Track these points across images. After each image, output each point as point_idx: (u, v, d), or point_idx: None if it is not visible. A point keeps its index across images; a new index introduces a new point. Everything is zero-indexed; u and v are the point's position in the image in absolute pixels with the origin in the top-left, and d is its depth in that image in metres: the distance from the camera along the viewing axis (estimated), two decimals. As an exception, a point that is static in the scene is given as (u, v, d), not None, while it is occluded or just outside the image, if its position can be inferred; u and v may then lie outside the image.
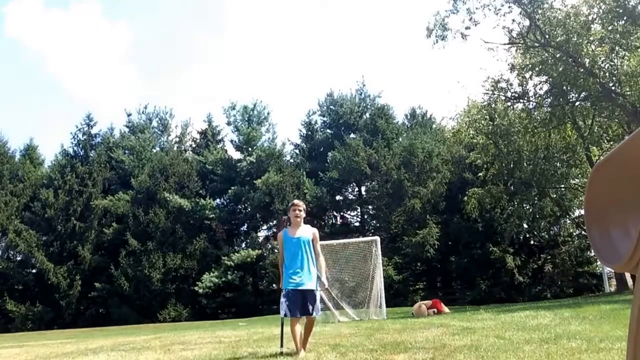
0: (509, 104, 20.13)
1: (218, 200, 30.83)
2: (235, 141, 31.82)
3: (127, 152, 31.40)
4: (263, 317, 20.27)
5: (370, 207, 30.89)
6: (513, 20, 18.65)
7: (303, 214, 5.59)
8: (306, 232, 5.51)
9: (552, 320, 7.17)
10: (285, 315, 5.21)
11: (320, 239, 5.87)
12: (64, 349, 7.96)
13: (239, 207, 31.05)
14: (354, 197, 31.66)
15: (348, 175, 28.92)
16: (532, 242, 28.48)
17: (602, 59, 16.75)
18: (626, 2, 17.01)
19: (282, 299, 5.23)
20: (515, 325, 6.77)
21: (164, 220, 28.00)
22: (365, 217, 31.51)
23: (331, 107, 32.86)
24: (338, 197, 31.34)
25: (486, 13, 18.82)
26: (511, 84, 19.94)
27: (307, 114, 33.63)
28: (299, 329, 5.25)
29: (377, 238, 14.33)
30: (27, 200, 29.17)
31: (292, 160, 31.78)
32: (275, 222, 28.50)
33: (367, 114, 32.28)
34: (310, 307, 5.19)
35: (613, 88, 17.28)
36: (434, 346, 5.14)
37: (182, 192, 29.06)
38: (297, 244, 5.37)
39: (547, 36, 17.53)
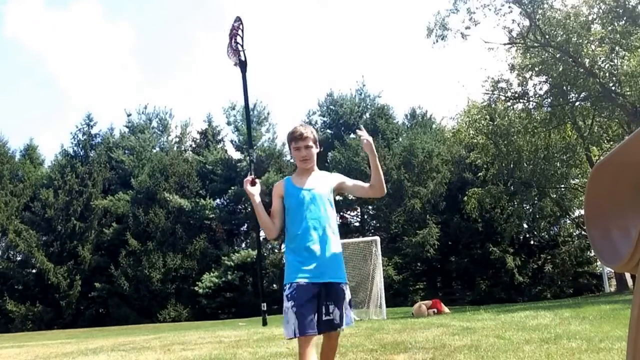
0: (509, 104, 20.14)
1: (218, 200, 30.83)
2: (235, 141, 31.83)
3: (127, 152, 31.41)
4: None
5: (370, 207, 30.89)
6: (513, 21, 18.70)
7: (314, 150, 2.87)
8: (323, 182, 2.91)
9: (552, 320, 7.17)
10: (294, 335, 2.52)
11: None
12: (64, 349, 7.95)
13: (239, 207, 31.06)
14: (353, 197, 31.63)
15: (348, 175, 28.67)
16: (532, 242, 28.49)
17: (602, 59, 16.78)
18: (626, 2, 17.04)
19: (287, 304, 2.59)
20: (515, 325, 6.77)
21: (164, 220, 28.01)
22: (365, 217, 31.53)
23: (331, 107, 32.87)
24: (338, 197, 31.32)
25: (486, 13, 18.86)
26: (511, 84, 19.98)
27: (307, 114, 33.68)
28: (314, 355, 2.54)
29: (377, 238, 14.32)
30: (27, 200, 29.18)
31: (292, 160, 31.71)
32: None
33: (367, 114, 32.29)
34: (337, 314, 2.62)
35: (613, 88, 17.29)
36: (434, 346, 5.14)
37: (182, 192, 29.06)
38: (308, 201, 2.77)
39: (547, 36, 17.55)
